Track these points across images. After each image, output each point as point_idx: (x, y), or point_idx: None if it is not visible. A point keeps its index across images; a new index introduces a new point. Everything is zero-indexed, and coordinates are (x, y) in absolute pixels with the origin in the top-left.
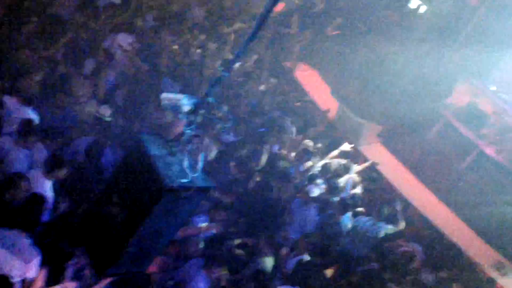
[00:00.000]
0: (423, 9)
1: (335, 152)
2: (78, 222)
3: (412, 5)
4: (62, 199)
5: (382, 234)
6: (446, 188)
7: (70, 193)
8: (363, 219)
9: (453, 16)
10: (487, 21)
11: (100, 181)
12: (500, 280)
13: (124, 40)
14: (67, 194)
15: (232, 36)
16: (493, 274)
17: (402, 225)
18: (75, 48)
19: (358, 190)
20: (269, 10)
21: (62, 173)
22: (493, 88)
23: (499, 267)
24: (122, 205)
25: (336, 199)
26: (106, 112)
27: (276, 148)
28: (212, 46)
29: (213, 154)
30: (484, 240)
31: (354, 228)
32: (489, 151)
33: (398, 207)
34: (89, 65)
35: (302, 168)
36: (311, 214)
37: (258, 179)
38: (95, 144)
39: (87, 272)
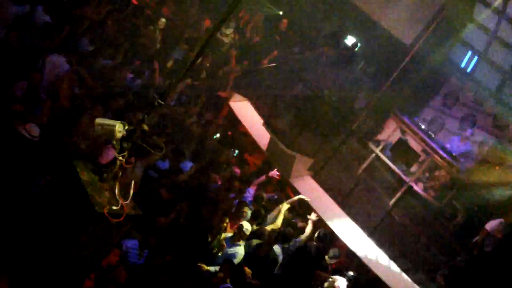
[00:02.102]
0: (357, 46)
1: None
2: None
3: (348, 42)
4: None
5: None
6: (374, 223)
7: None
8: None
9: (387, 54)
10: (420, 61)
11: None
12: None
13: (57, 61)
14: None
15: (171, 63)
16: None
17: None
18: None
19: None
20: (207, 40)
21: None
22: (423, 126)
23: None
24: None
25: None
26: (34, 131)
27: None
28: (147, 72)
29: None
30: (410, 278)
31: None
32: (417, 188)
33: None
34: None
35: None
36: (239, 249)
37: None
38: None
39: None
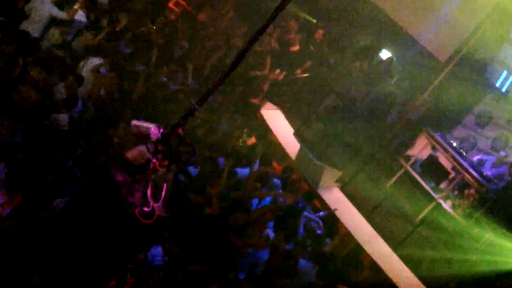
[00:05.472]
0: (391, 60)
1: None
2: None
3: (383, 56)
4: None
5: None
6: (400, 238)
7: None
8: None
9: (421, 70)
10: (455, 78)
11: None
12: None
13: (95, 63)
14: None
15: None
16: None
17: None
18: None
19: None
20: (246, 49)
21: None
22: (455, 144)
23: None
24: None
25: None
26: (63, 120)
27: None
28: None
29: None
30: None
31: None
32: (445, 205)
33: None
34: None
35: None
36: (262, 257)
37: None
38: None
39: None
